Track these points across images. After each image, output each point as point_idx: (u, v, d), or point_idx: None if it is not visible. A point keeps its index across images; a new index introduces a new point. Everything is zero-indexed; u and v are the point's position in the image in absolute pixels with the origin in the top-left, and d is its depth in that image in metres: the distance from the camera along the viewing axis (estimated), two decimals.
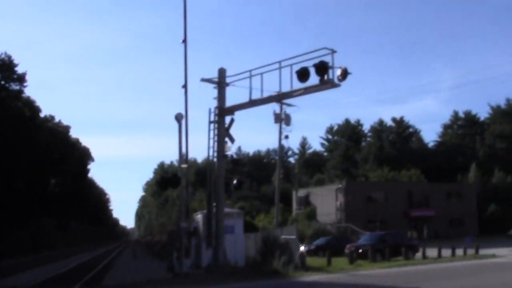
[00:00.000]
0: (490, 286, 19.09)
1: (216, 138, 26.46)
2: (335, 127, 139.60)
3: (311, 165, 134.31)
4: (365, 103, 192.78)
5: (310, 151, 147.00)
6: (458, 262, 33.76)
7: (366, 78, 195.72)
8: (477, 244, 41.94)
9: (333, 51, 20.71)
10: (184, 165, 30.20)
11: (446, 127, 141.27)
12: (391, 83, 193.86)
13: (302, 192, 79.61)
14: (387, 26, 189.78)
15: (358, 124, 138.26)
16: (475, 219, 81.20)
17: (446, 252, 38.27)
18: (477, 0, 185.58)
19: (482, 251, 40.79)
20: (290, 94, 24.13)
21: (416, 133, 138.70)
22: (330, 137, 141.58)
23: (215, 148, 26.50)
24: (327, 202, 72.81)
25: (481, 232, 78.91)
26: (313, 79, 21.02)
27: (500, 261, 33.58)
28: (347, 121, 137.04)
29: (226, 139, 26.69)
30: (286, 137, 47.61)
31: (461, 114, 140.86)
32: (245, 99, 25.06)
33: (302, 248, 32.44)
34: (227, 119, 26.63)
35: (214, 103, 26.60)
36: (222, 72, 26.70)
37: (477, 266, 29.89)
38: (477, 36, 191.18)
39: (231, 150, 27.30)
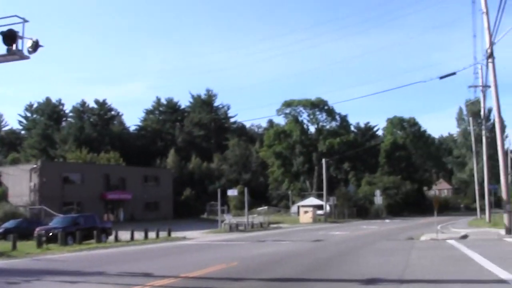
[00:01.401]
0: (173, 267, 18.78)
1: None
2: (35, 105, 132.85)
3: (7, 144, 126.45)
4: (70, 82, 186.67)
5: (6, 128, 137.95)
6: (151, 244, 33.58)
7: (73, 57, 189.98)
8: (169, 227, 42.40)
9: (25, 21, 18.58)
10: None
11: (148, 112, 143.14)
12: (98, 64, 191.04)
13: None
14: (92, 6, 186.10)
15: (60, 103, 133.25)
16: (170, 202, 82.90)
17: (140, 235, 38.04)
18: None
19: (175, 234, 41.41)
20: None
21: (118, 116, 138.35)
22: (29, 115, 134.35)
23: None
24: (20, 182, 68.24)
25: (176, 215, 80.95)
26: (2, 48, 18.73)
27: (189, 243, 34.17)
28: (48, 100, 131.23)
29: None
30: None
31: (164, 101, 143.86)
32: None
33: None
34: None
35: None
36: None
37: (167, 248, 29.89)
38: (186, 25, 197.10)
39: None
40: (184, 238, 39.10)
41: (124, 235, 37.60)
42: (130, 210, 74.33)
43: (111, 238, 36.72)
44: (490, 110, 71.64)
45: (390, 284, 13.21)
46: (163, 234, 39.92)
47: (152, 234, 39.03)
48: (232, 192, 59.95)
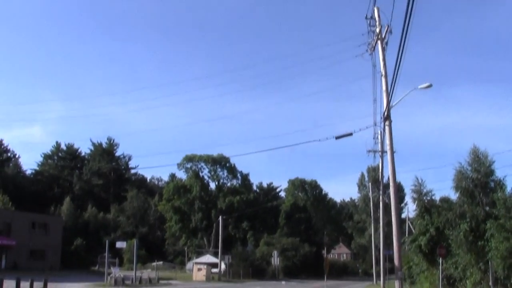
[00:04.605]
0: None
1: None
2: None
3: None
4: None
5: None
6: None
7: None
8: (46, 277, 39.29)
9: None
10: None
11: (46, 156, 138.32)
12: (1, 106, 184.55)
13: None
14: None
15: None
16: (59, 252, 78.64)
17: (12, 285, 34.91)
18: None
19: (55, 286, 38.57)
20: None
21: (14, 158, 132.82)
22: None
23: None
24: None
25: (65, 266, 77.02)
26: None
27: None
28: None
29: None
30: None
31: (63, 146, 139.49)
32: None
33: None
34: None
35: None
36: None
37: None
38: (93, 71, 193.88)
39: None
40: None
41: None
42: (14, 258, 69.61)
43: None
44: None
45: None
46: (39, 285, 36.84)
47: (26, 285, 35.92)
48: (121, 245, 56.96)
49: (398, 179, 32.80)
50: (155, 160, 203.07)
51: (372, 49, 31.86)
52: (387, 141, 29.74)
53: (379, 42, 30.32)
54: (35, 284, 36.53)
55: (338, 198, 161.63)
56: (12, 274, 43.23)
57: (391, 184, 30.38)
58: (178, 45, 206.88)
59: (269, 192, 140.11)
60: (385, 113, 29.35)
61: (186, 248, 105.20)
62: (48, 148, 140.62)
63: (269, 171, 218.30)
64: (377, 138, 46.92)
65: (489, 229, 35.44)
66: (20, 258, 70.06)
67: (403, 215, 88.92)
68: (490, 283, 22.15)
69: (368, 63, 32.31)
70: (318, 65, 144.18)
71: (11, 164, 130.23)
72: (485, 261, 34.81)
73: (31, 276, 38.10)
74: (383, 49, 30.08)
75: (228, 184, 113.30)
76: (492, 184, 43.03)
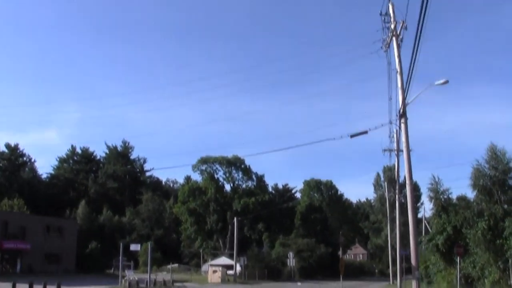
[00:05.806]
0: None
1: None
2: None
3: None
4: None
5: None
6: None
7: None
8: (59, 281, 39.09)
9: None
10: None
11: (62, 160, 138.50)
12: (12, 109, 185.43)
13: None
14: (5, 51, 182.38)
15: None
16: (73, 255, 78.64)
17: None
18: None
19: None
20: None
21: (30, 162, 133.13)
22: None
23: None
24: None
25: (80, 269, 76.93)
26: None
27: None
28: None
29: None
30: None
31: (79, 150, 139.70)
32: None
33: None
34: None
35: None
36: None
37: None
38: (108, 74, 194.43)
39: None
40: None
41: None
42: (28, 261, 69.63)
43: None
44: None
45: None
46: None
47: None
48: (135, 247, 56.45)
49: (415, 178, 32.58)
50: (169, 162, 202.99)
51: (387, 46, 31.28)
52: (403, 139, 29.18)
53: (394, 38, 29.76)
54: (49, 287, 36.48)
55: (354, 199, 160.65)
56: (27, 277, 43.17)
57: (407, 182, 29.77)
58: (189, 46, 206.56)
59: (285, 193, 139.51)
60: (401, 110, 28.75)
61: (201, 250, 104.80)
62: (63, 152, 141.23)
63: (284, 172, 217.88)
64: (393, 137, 46.26)
65: (507, 227, 34.73)
66: (35, 262, 70.12)
67: (419, 215, 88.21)
68: (510, 282, 21.50)
69: (383, 61, 31.73)
70: (331, 63, 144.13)
71: (27, 169, 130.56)
72: (504, 259, 34.12)
73: (46, 280, 38.04)
74: (398, 46, 29.52)
75: (243, 186, 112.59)
76: (511, 182, 42.24)
